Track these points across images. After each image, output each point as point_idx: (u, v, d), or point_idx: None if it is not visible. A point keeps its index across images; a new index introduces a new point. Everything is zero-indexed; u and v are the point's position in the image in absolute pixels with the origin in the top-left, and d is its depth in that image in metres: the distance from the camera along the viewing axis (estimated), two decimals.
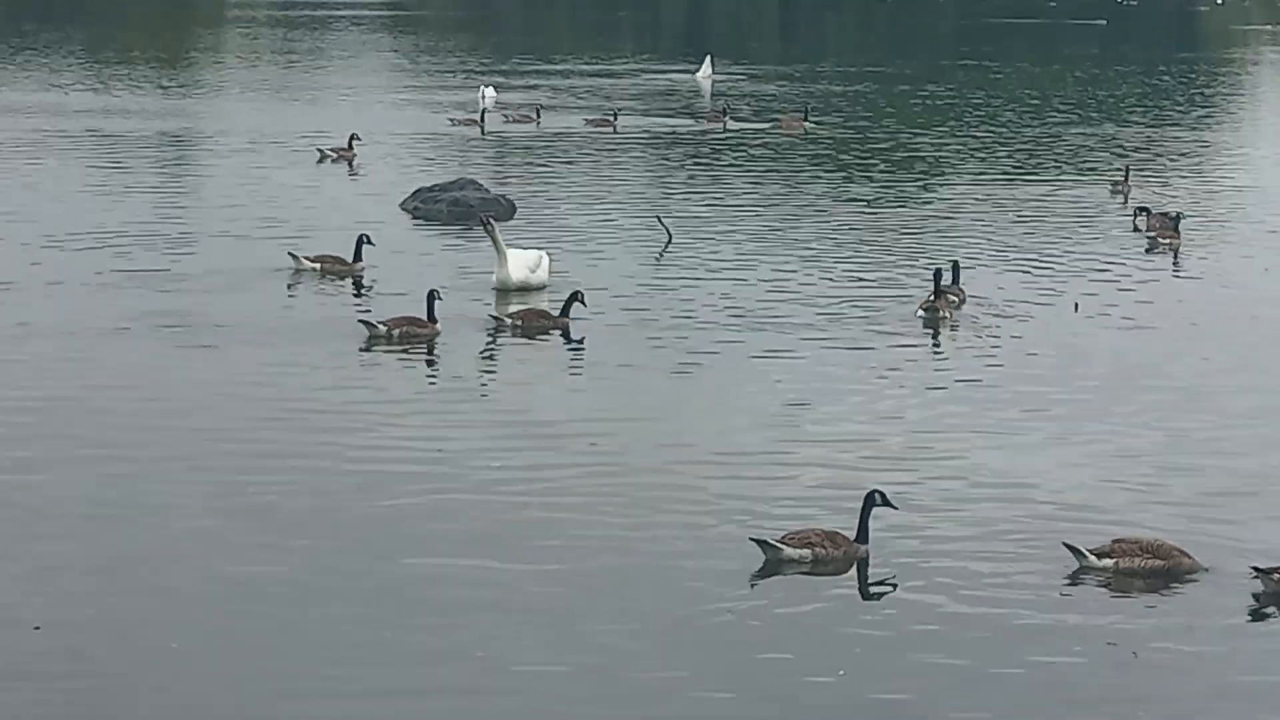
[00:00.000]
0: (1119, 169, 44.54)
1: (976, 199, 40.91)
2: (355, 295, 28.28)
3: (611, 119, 55.58)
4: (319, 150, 45.29)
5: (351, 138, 45.56)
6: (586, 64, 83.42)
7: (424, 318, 24.96)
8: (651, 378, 23.24)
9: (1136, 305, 28.64)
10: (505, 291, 28.08)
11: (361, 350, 24.36)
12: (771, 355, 24.47)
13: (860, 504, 16.56)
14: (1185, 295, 29.93)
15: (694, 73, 76.35)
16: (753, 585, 15.74)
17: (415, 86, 69.46)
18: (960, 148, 52.46)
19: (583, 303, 26.03)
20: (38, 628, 14.37)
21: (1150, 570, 16.03)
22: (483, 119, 54.44)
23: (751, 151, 49.83)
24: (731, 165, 46.80)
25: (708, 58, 76.99)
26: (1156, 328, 27.09)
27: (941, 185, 43.95)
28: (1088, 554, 16.09)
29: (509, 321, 25.66)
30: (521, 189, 40.35)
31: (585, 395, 22.58)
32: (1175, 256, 33.57)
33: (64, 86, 65.26)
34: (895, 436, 20.54)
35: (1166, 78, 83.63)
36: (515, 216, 36.20)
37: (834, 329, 26.26)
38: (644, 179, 43.93)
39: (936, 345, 25.82)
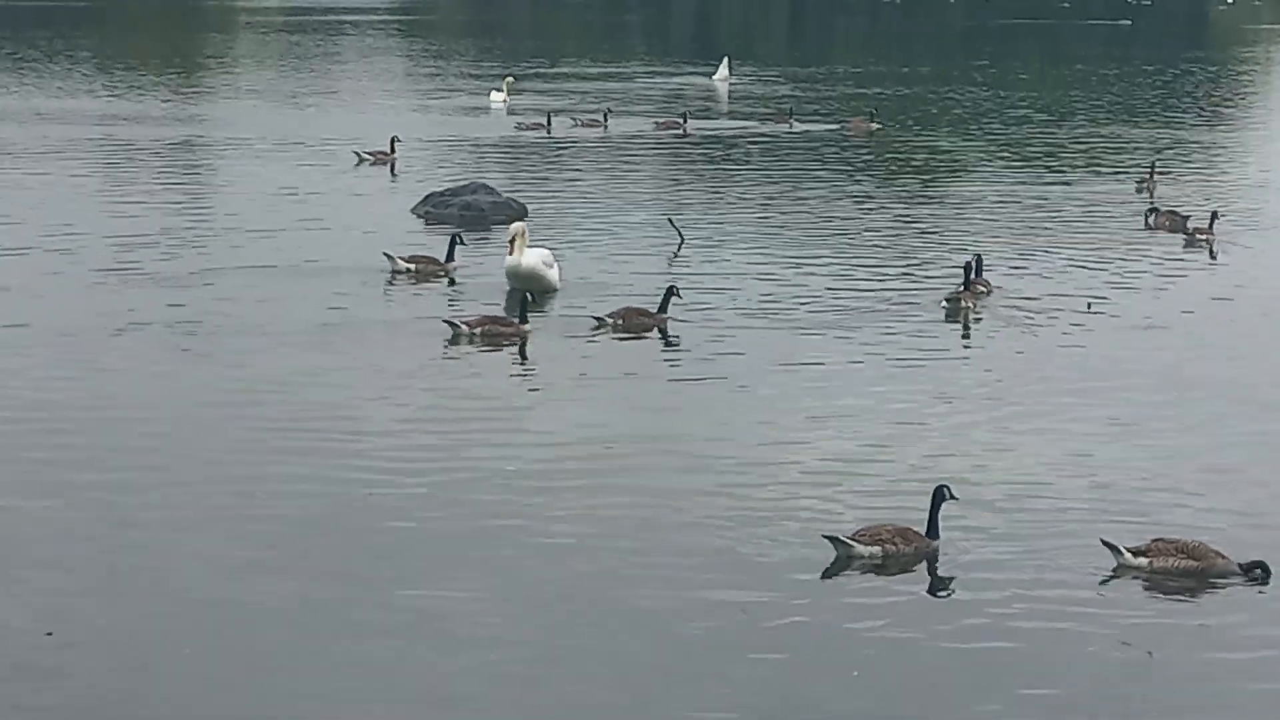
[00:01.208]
0: (1145, 167, 44.48)
1: (1002, 196, 40.80)
2: (442, 295, 28.18)
3: (681, 121, 55.46)
4: (356, 153, 44.98)
5: (393, 141, 45.35)
6: (601, 67, 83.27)
7: (509, 317, 24.98)
8: (709, 379, 23.01)
9: (1174, 302, 28.52)
10: (516, 277, 27.81)
11: (444, 350, 24.25)
12: (800, 352, 24.43)
13: (930, 500, 16.52)
14: (1222, 292, 29.72)
15: (711, 75, 76.05)
16: (822, 580, 15.71)
17: (443, 90, 68.99)
18: (990, 147, 52.46)
19: (678, 295, 25.94)
20: (50, 633, 14.21)
21: (1185, 571, 15.91)
22: (549, 122, 54.28)
23: (820, 153, 49.65)
24: (799, 167, 46.47)
25: (725, 60, 76.64)
26: (1194, 324, 26.96)
27: (970, 183, 43.83)
28: (1124, 551, 16.01)
29: (609, 321, 25.45)
30: (573, 193, 40.25)
31: (627, 400, 22.16)
32: (1211, 252, 33.51)
33: (75, 93, 64.96)
34: (931, 432, 20.40)
35: (1191, 76, 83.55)
36: (530, 217, 35.87)
37: (862, 322, 26.25)
38: (707, 182, 43.47)
39: (965, 339, 25.73)
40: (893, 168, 47.25)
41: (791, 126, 56.00)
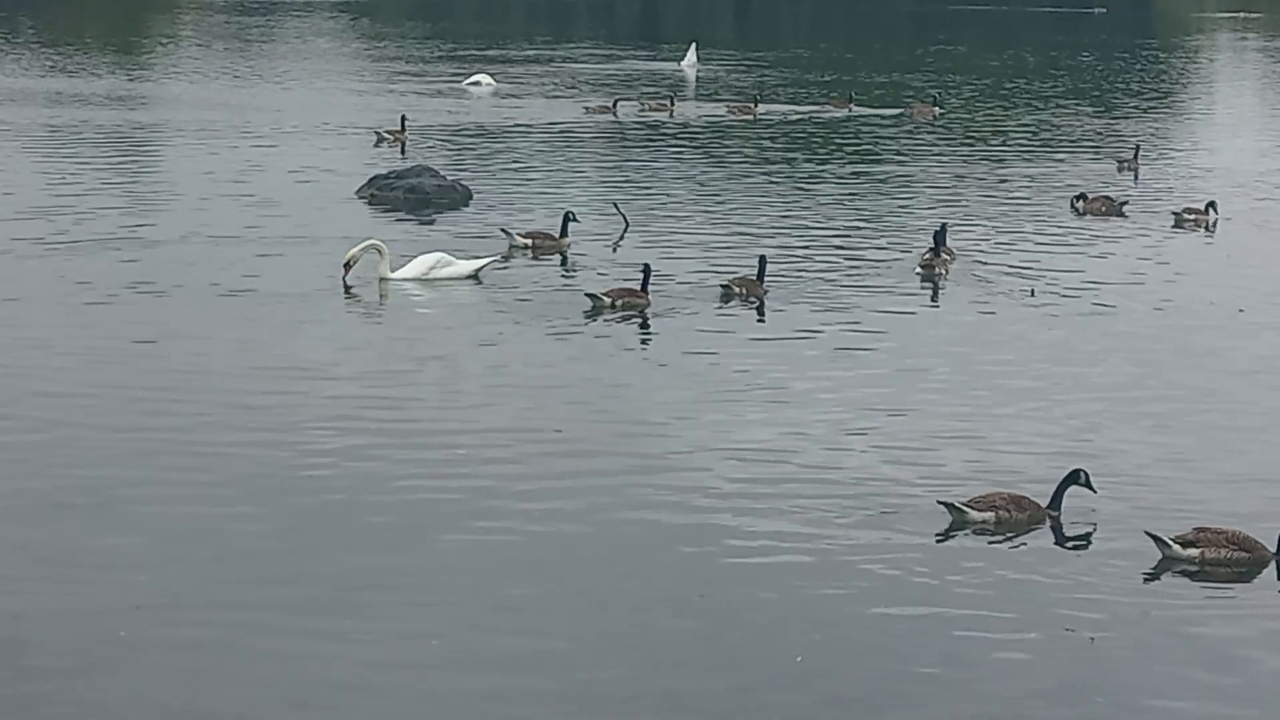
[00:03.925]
0: (1128, 147, 44.79)
1: (978, 178, 41.02)
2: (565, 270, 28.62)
3: (752, 105, 55.95)
4: (376, 133, 45.87)
5: (402, 119, 46.35)
6: (571, 51, 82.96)
7: (640, 289, 25.62)
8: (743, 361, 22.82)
9: (1168, 284, 28.46)
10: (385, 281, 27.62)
11: (585, 319, 24.68)
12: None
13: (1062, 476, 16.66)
14: (1223, 275, 29.61)
15: (679, 61, 75.57)
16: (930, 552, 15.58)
17: (440, 74, 68.28)
18: (968, 129, 52.60)
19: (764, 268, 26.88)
20: None
21: (1234, 561, 15.62)
22: (615, 107, 54.54)
23: (879, 137, 49.84)
24: (860, 151, 46.55)
25: (692, 46, 76.22)
26: (1188, 305, 26.86)
27: (941, 167, 43.80)
28: (1172, 544, 15.64)
29: (736, 290, 26.18)
30: (622, 178, 40.14)
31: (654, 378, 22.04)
32: (1210, 235, 33.63)
33: (26, 74, 64.34)
34: (940, 411, 20.26)
35: (1164, 64, 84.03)
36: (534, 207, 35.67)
37: (848, 293, 26.67)
38: (775, 166, 43.32)
39: (935, 307, 26.18)
40: (957, 148, 47.27)
41: (850, 111, 56.48)
